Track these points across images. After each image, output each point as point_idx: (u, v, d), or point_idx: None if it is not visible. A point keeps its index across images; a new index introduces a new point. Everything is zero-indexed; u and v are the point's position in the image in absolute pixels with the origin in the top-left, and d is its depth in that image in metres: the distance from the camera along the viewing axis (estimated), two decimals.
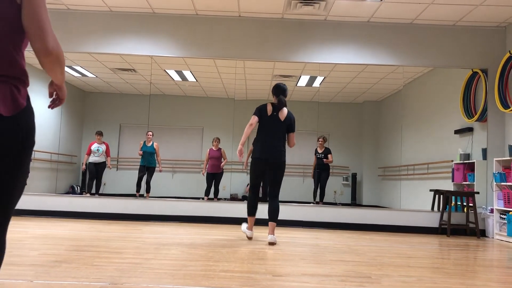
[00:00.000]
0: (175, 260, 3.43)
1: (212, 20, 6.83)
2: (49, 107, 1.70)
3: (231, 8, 6.51)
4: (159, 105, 9.84)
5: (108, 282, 2.61)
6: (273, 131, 4.68)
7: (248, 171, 5.00)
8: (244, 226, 5.02)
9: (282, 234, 5.46)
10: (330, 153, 8.78)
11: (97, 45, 6.83)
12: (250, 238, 4.84)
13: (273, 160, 4.65)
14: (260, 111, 4.72)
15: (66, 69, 8.58)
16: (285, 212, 6.48)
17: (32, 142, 1.47)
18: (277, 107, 4.71)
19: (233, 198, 9.12)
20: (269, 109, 4.71)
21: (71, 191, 9.17)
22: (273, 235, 4.59)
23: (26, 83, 1.48)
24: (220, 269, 3.13)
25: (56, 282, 2.57)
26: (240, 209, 6.62)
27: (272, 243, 4.54)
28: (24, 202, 6.56)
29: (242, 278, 2.88)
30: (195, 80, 9.16)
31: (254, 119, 4.69)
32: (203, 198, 8.41)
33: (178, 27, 6.83)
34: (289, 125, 4.74)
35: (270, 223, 4.62)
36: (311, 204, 7.81)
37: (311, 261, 3.68)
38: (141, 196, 8.10)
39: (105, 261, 3.28)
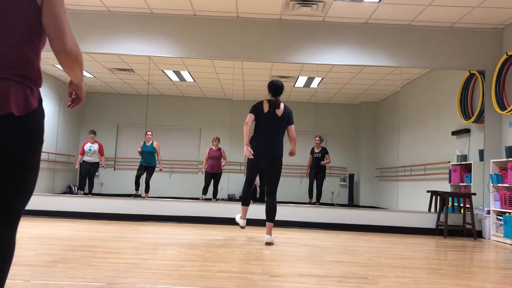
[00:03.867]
0: (172, 261, 3.43)
1: (210, 20, 6.83)
2: (68, 106, 1.71)
3: (229, 9, 6.52)
4: (157, 105, 9.84)
5: (105, 282, 2.61)
6: (270, 128, 4.65)
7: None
8: (237, 216, 5.03)
9: (280, 235, 5.47)
10: (328, 153, 8.76)
11: (95, 45, 6.82)
12: (242, 227, 4.97)
13: (268, 152, 4.61)
14: (256, 109, 4.69)
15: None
16: (283, 212, 6.48)
17: (39, 143, 1.48)
18: (274, 104, 4.68)
19: (231, 198, 9.12)
20: (266, 106, 4.68)
21: (68, 191, 9.16)
22: (270, 235, 4.59)
23: (39, 84, 1.50)
24: (217, 270, 3.14)
25: (53, 282, 2.57)
26: (237, 210, 6.61)
27: (269, 243, 4.54)
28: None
29: (239, 278, 2.89)
30: (193, 81, 9.16)
31: (250, 118, 4.66)
32: (200, 198, 8.40)
33: (176, 27, 6.83)
34: (287, 119, 4.71)
35: (267, 223, 4.61)
36: (308, 205, 7.82)
37: (308, 261, 3.68)
38: (139, 196, 8.09)
39: (102, 261, 3.28)
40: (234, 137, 9.23)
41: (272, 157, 4.65)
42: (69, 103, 1.69)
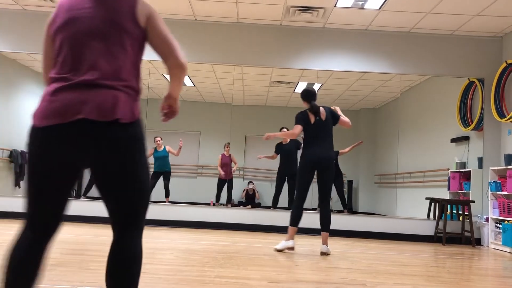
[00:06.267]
0: (170, 265, 3.42)
1: (211, 26, 6.86)
2: (163, 120, 1.81)
3: (230, 14, 6.54)
4: (156, 110, 9.77)
5: (103, 286, 2.60)
6: (320, 136, 4.64)
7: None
8: (282, 243, 4.60)
9: (277, 241, 5.45)
10: None
11: None
12: (292, 248, 4.53)
13: (322, 161, 4.57)
14: (304, 120, 4.67)
15: None
16: (281, 218, 6.48)
17: (144, 150, 1.60)
18: (316, 111, 4.68)
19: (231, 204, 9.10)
20: (311, 117, 4.67)
21: None
22: (326, 245, 4.48)
23: (140, 95, 1.67)
24: (215, 275, 3.13)
25: (51, 285, 2.56)
26: (235, 215, 6.62)
27: (324, 253, 4.45)
28: (20, 205, 6.53)
29: (237, 284, 2.88)
30: (193, 85, 9.18)
31: (298, 129, 4.63)
32: (214, 204, 8.26)
33: (177, 32, 6.85)
34: (332, 118, 4.75)
35: (322, 233, 4.53)
36: (307, 211, 7.81)
37: (306, 268, 3.68)
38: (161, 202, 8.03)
39: (100, 265, 3.27)
40: (233, 141, 9.23)
41: (326, 166, 4.59)
42: (164, 116, 1.79)
